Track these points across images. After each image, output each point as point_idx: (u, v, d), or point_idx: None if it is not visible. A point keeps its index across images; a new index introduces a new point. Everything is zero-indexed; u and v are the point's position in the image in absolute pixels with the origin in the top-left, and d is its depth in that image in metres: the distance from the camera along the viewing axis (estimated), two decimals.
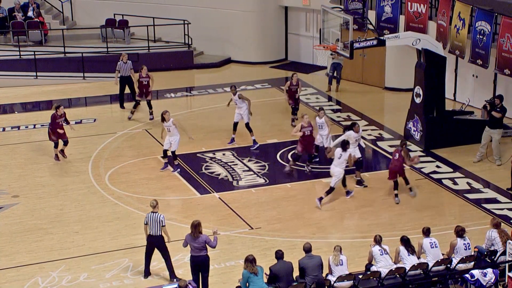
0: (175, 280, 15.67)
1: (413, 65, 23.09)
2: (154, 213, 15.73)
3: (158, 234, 15.72)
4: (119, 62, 25.46)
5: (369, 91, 27.93)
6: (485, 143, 21.47)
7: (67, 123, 21.76)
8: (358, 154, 20.12)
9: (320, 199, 19.17)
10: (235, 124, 22.82)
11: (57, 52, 29.52)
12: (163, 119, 20.85)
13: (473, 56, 23.16)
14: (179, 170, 21.17)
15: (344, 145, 19.25)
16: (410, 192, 19.70)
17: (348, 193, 19.69)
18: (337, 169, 19.19)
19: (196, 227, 15.04)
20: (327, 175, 20.13)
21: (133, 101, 25.26)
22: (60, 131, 21.52)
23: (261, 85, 28.69)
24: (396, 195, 19.48)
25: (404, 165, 19.61)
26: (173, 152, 21.05)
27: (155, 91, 27.69)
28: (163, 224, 15.71)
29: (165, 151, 21.19)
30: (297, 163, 21.12)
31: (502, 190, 20.00)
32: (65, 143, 21.86)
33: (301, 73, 29.97)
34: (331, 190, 19.26)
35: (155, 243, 15.81)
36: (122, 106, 26.12)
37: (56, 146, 21.83)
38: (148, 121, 24.78)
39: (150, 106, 24.80)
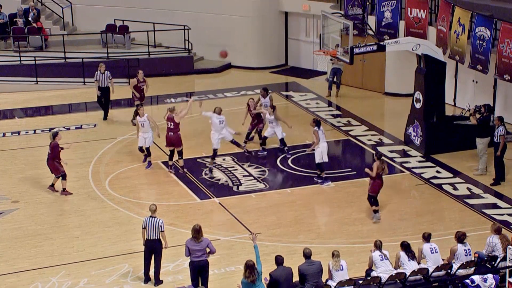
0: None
1: (413, 70, 23.10)
2: (153, 218, 15.72)
3: (156, 238, 15.73)
4: (96, 72, 25.26)
5: (369, 96, 27.93)
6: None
7: (61, 148, 20.08)
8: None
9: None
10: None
11: (57, 58, 29.54)
12: (137, 114, 21.41)
13: (473, 61, 23.17)
14: (151, 167, 21.56)
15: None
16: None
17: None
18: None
19: (198, 231, 15.04)
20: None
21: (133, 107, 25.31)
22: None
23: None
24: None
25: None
26: (147, 149, 21.48)
27: (155, 96, 27.75)
28: (162, 230, 15.70)
29: (140, 148, 21.52)
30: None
31: (502, 195, 19.99)
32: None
33: (301, 79, 30.05)
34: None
35: (152, 247, 15.81)
36: (105, 118, 25.48)
37: (64, 177, 20.08)
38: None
39: None
